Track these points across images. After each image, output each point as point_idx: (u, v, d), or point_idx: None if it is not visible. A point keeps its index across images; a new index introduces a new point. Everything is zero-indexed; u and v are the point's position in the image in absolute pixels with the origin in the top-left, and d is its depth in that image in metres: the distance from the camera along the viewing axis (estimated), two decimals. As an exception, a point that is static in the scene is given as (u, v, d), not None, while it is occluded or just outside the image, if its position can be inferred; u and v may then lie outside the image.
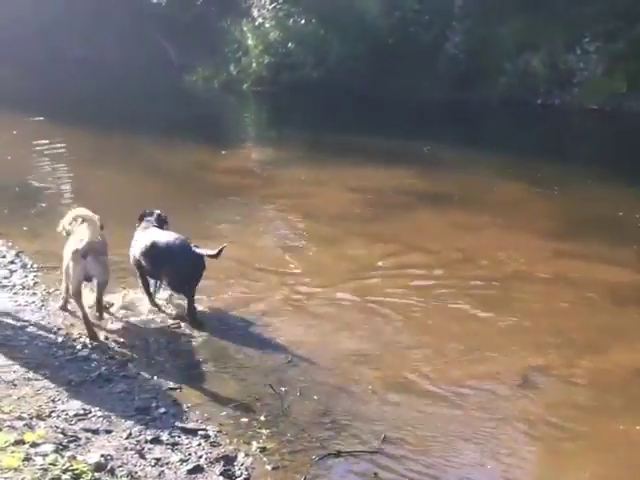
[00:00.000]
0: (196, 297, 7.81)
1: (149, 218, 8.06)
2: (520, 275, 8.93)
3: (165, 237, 7.70)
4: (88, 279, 7.31)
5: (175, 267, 7.51)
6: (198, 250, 7.54)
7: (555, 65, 20.58)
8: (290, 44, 24.22)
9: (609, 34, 19.95)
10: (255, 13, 26.18)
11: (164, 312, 7.81)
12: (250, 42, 25.25)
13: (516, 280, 8.78)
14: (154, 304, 7.89)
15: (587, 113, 19.11)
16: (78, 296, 7.25)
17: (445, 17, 22.76)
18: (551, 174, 13.29)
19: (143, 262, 7.75)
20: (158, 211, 8.19)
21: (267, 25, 25.37)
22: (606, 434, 5.86)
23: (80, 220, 7.45)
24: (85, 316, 7.20)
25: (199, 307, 7.78)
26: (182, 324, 7.55)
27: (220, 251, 7.48)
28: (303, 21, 24.63)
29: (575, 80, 20.27)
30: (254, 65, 24.85)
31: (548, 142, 16.71)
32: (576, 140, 17.15)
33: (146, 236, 7.80)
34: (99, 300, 7.45)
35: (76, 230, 7.48)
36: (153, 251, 7.62)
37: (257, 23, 25.76)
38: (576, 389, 6.45)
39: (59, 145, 16.07)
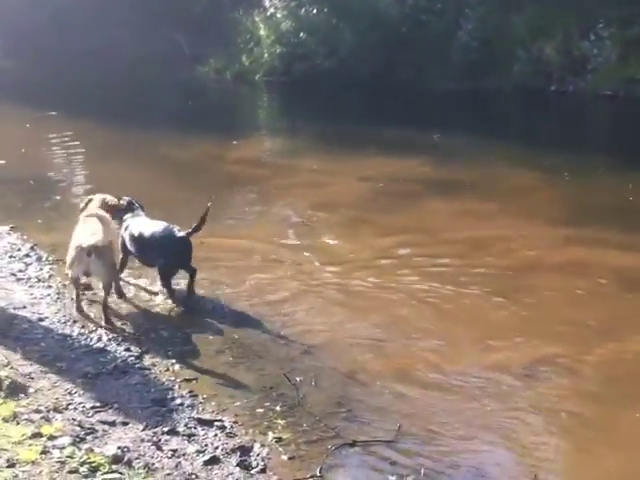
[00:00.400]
0: (212, 287, 7.96)
1: (137, 206, 8.18)
2: (532, 262, 8.89)
3: (153, 226, 7.82)
4: (88, 275, 7.43)
5: (166, 253, 7.63)
6: (180, 233, 7.62)
7: (569, 52, 20.47)
8: (302, 34, 24.21)
9: (623, 20, 19.82)
10: (267, 3, 26.19)
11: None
12: (262, 32, 25.27)
13: (528, 267, 8.75)
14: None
15: (601, 99, 18.99)
16: (76, 284, 7.46)
17: (458, 5, 22.66)
18: (563, 161, 13.18)
19: (133, 250, 7.92)
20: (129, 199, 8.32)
21: (279, 15, 25.38)
22: (623, 423, 5.81)
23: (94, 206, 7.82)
24: (78, 296, 7.49)
25: (211, 296, 7.92)
26: (197, 314, 7.61)
27: (203, 218, 7.57)
28: (315, 11, 24.62)
29: (589, 66, 20.17)
30: (266, 55, 24.85)
31: (561, 129, 16.64)
32: (589, 126, 17.06)
33: (137, 225, 7.91)
34: (104, 304, 7.43)
35: (86, 219, 7.63)
36: (144, 239, 7.76)
37: (269, 13, 25.78)
38: (591, 378, 6.41)
39: (72, 138, 16.06)
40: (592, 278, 8.33)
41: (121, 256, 8.10)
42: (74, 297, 7.57)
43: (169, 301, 7.79)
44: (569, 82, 20.26)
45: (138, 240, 7.82)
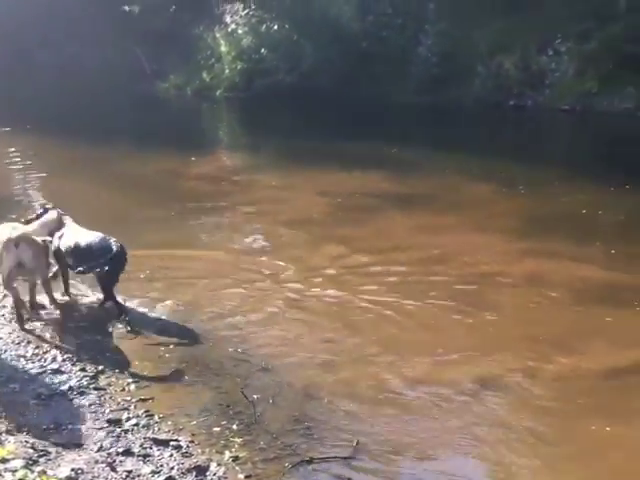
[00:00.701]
0: (171, 303, 8.08)
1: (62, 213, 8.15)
2: (488, 275, 8.95)
3: (90, 236, 7.72)
4: (21, 266, 7.28)
5: (107, 263, 7.50)
6: (118, 243, 7.58)
7: (528, 67, 20.73)
8: (263, 50, 24.24)
9: (580, 35, 20.09)
10: (228, 19, 26.19)
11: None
12: (223, 48, 25.25)
13: (485, 280, 8.80)
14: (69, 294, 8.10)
15: (558, 113, 19.26)
16: (10, 284, 7.35)
17: (418, 20, 22.85)
18: (519, 174, 13.39)
19: (69, 259, 7.79)
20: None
21: (240, 31, 25.40)
22: (579, 436, 5.86)
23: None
24: (17, 301, 7.44)
25: (167, 312, 7.95)
26: (153, 331, 7.53)
27: None
28: (276, 27, 24.65)
29: (547, 81, 20.45)
30: (227, 71, 24.85)
31: (519, 143, 16.85)
32: (546, 140, 17.24)
33: (73, 234, 7.80)
34: (32, 294, 7.49)
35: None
36: (81, 249, 7.65)
37: (230, 29, 25.77)
38: (547, 391, 6.46)
39: (28, 155, 15.91)
40: (547, 290, 8.41)
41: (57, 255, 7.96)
42: (13, 301, 7.50)
43: (122, 317, 7.69)
44: (528, 97, 20.51)
45: (75, 249, 7.67)
